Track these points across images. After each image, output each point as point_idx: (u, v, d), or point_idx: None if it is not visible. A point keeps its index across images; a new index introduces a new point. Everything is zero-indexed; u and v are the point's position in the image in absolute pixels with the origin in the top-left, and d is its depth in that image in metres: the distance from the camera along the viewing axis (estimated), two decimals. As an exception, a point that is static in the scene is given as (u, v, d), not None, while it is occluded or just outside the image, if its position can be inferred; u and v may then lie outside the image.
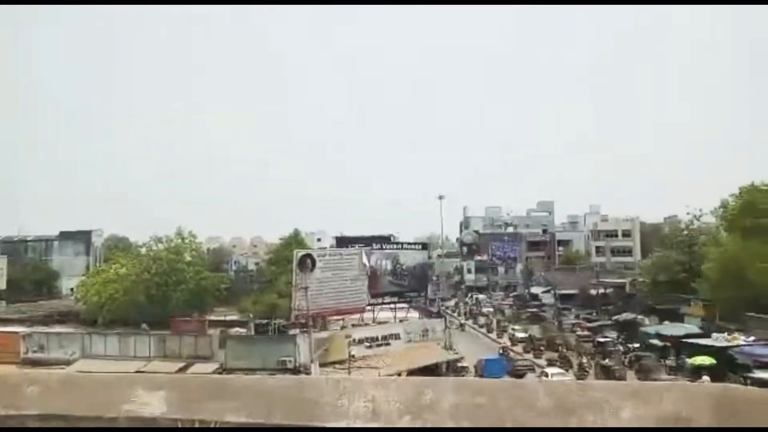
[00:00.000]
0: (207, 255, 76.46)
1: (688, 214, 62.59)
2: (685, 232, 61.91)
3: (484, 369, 39.05)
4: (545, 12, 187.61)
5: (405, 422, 1.79)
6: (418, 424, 1.79)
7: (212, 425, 1.86)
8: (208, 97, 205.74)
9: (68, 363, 33.47)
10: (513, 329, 56.98)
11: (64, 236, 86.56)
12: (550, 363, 43.12)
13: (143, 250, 59.87)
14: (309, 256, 39.36)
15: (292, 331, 36.58)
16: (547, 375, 37.17)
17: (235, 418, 1.93)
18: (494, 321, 65.12)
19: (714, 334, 40.93)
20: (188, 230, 57.66)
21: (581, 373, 37.69)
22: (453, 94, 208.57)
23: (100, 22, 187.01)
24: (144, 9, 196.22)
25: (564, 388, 1.83)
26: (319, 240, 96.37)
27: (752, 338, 38.89)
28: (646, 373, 36.55)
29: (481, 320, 68.55)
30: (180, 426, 1.85)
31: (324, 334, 35.83)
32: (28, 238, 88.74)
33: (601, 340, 46.89)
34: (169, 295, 49.78)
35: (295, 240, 63.03)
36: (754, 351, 36.70)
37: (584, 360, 40.83)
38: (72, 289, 64.74)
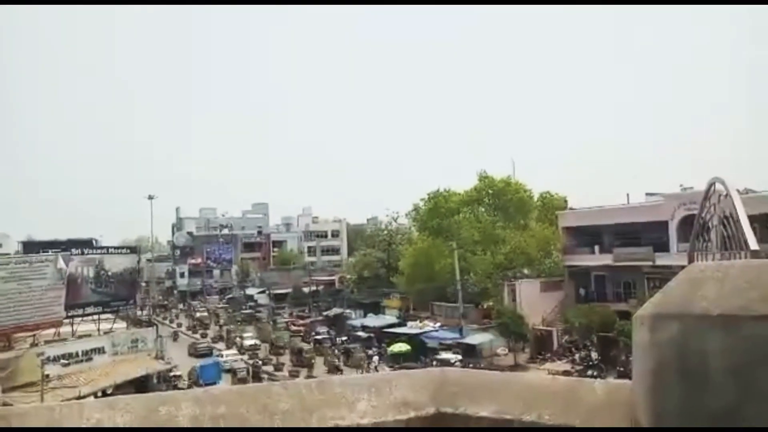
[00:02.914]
0: None
1: (387, 215, 69.71)
2: (385, 232, 68.60)
3: (199, 375, 38.01)
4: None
5: (138, 445, 1.64)
6: (152, 445, 1.65)
7: None
8: None
9: None
10: (241, 337, 53.41)
11: None
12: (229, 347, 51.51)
13: None
14: (-12, 264, 33.55)
15: (-38, 355, 30.71)
16: (222, 356, 45.57)
17: None
18: (222, 328, 62.08)
19: (409, 323, 46.12)
20: None
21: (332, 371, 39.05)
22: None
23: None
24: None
25: (307, 389, 1.86)
26: (0, 245, 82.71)
27: (438, 324, 44.79)
28: (355, 363, 39.56)
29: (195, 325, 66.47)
30: None
31: (9, 355, 30.86)
32: None
33: (318, 337, 49.06)
34: None
35: (-32, 245, 53.17)
36: (440, 335, 42.41)
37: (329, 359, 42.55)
38: None
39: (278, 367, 43.48)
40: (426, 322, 45.44)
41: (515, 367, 36.66)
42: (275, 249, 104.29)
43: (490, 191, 56.95)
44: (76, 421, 1.77)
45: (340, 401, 1.87)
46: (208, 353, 49.07)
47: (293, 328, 56.15)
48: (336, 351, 44.42)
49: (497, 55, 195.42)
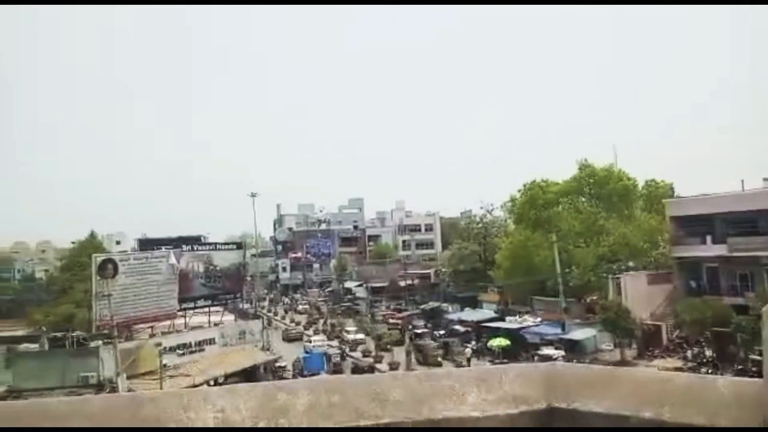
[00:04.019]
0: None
1: (481, 208, 68.74)
2: (480, 225, 67.72)
3: (304, 366, 39.30)
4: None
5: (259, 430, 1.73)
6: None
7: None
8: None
9: None
10: (347, 331, 53.88)
11: None
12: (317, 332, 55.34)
13: None
14: (110, 260, 36.33)
15: (93, 344, 33.49)
16: (310, 341, 50.20)
17: (65, 447, 1.71)
18: (326, 322, 62.89)
19: (507, 318, 45.38)
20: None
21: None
22: (269, 90, 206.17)
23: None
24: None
25: (416, 380, 1.89)
26: (118, 243, 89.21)
27: (539, 319, 43.78)
28: (453, 357, 39.46)
29: (298, 318, 68.72)
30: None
31: (131, 345, 33.34)
32: None
33: (417, 331, 49.15)
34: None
35: (91, 243, 57.68)
36: (540, 330, 41.43)
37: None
38: None
39: (366, 354, 44.65)
40: (526, 316, 44.57)
41: (622, 363, 35.17)
42: (371, 243, 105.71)
43: (591, 180, 54.82)
44: (201, 406, 1.90)
45: (449, 393, 1.89)
46: (298, 338, 54.49)
47: (391, 321, 56.77)
48: (435, 345, 44.38)
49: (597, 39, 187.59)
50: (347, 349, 47.42)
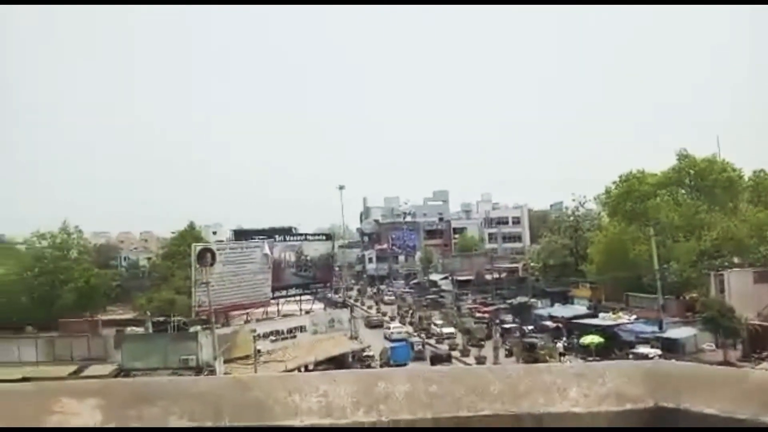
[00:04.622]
0: (94, 251, 72.13)
1: (573, 200, 66.49)
2: (571, 218, 65.64)
3: (390, 356, 39.71)
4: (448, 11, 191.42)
5: (360, 415, 1.77)
6: (373, 417, 1.76)
7: (158, 433, 1.74)
8: (94, 86, 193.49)
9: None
10: (436, 324, 53.15)
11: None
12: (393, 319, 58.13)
13: (23, 248, 55.70)
14: (209, 249, 38.16)
15: (192, 329, 35.35)
16: (389, 327, 52.33)
17: (179, 422, 1.81)
18: (413, 315, 62.85)
19: (601, 314, 43.83)
20: (74, 225, 54.26)
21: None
22: (352, 86, 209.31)
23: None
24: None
25: (515, 373, 1.87)
26: (215, 233, 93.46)
27: (634, 316, 42.01)
28: (539, 354, 38.50)
29: (384, 309, 69.41)
30: (122, 436, 1.72)
31: (227, 330, 34.93)
32: None
33: (506, 326, 48.40)
34: (56, 294, 46.61)
35: (190, 233, 60.71)
36: (636, 328, 39.75)
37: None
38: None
39: (453, 348, 44.15)
40: (620, 313, 42.86)
41: (725, 365, 33.08)
42: (456, 236, 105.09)
43: (691, 171, 51.80)
44: (305, 390, 1.97)
45: (550, 388, 1.86)
46: (379, 325, 56.25)
47: (477, 314, 56.25)
48: (524, 340, 43.50)
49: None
50: (427, 339, 47.60)
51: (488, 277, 68.64)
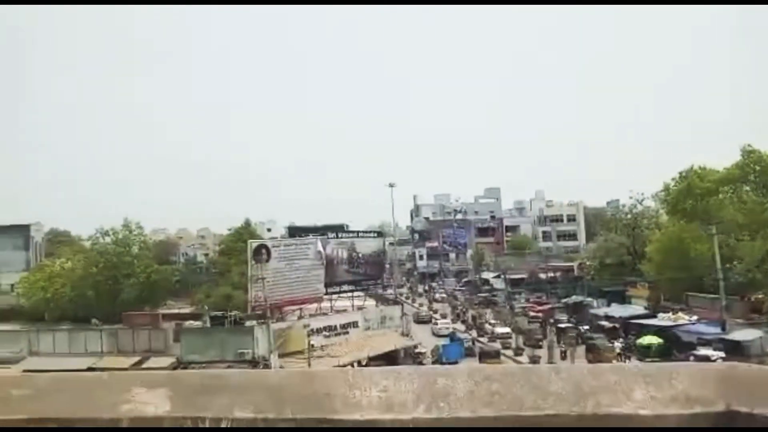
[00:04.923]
0: (153, 247, 74.57)
1: (630, 198, 64.55)
2: (629, 216, 63.85)
3: (442, 354, 39.58)
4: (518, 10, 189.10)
5: (420, 411, 1.77)
6: (433, 413, 1.77)
7: (223, 423, 1.79)
8: (154, 90, 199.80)
9: (16, 361, 32.22)
10: (491, 323, 52.04)
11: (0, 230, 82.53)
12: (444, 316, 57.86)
13: (88, 244, 58.02)
14: (264, 246, 38.91)
15: (248, 323, 36.12)
16: (437, 323, 53.73)
17: (243, 413, 1.87)
18: (465, 313, 61.82)
19: (660, 315, 42.52)
20: (135, 222, 56.16)
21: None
22: (400, 82, 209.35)
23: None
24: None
25: (578, 373, 1.84)
26: (269, 230, 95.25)
27: (694, 317, 40.57)
28: (598, 354, 37.62)
29: (437, 306, 69.15)
30: (191, 425, 1.77)
31: (282, 325, 35.53)
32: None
33: (561, 325, 47.43)
34: (119, 289, 48.47)
35: (246, 230, 62.04)
36: (697, 329, 38.36)
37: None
38: (12, 285, 62.13)
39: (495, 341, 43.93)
40: (680, 314, 41.45)
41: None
42: (508, 234, 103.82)
43: (757, 168, 49.51)
44: (366, 385, 1.99)
45: (615, 389, 1.82)
46: (428, 321, 57.00)
47: (531, 314, 55.43)
48: (580, 340, 42.56)
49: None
50: (479, 337, 47.32)
51: (542, 275, 67.59)
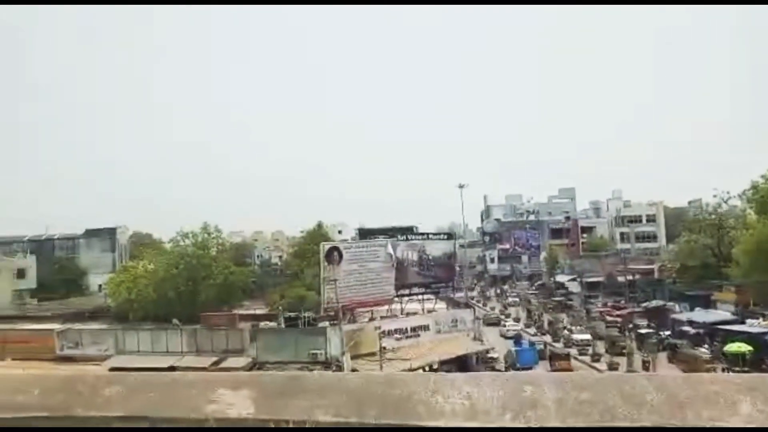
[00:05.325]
0: (230, 249, 76.95)
1: (715, 197, 61.28)
2: (713, 216, 60.74)
3: (516, 359, 38.89)
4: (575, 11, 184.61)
5: (506, 420, 1.70)
6: (520, 422, 1.69)
7: (306, 425, 1.78)
8: (228, 95, 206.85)
9: (103, 359, 33.97)
10: (570, 329, 50.16)
11: (90, 234, 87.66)
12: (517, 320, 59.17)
13: (169, 246, 60.37)
14: (336, 248, 39.42)
15: (321, 324, 36.65)
16: (505, 325, 55.66)
17: (325, 417, 1.85)
18: (540, 317, 60.80)
19: (748, 320, 40.27)
20: (213, 225, 58.02)
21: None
22: (469, 84, 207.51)
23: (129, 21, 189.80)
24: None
25: (674, 382, 1.72)
26: (340, 232, 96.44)
27: (788, 323, 38.16)
28: (684, 362, 35.93)
29: (510, 311, 68.01)
30: (273, 426, 1.78)
31: (354, 327, 35.79)
32: (55, 237, 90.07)
33: (641, 331, 45.50)
34: (198, 290, 50.18)
35: (318, 233, 63.08)
36: (791, 336, 36.04)
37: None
38: (100, 286, 65.64)
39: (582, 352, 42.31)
40: (771, 319, 39.07)
41: None
42: (584, 235, 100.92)
43: None
44: (448, 391, 1.94)
45: (716, 400, 1.70)
46: (496, 323, 57.58)
47: (608, 318, 53.61)
48: (661, 347, 40.69)
49: None
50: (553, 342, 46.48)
51: (620, 278, 65.28)
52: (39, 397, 2.02)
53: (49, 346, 36.56)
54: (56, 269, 77.65)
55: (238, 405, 2.02)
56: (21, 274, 69.43)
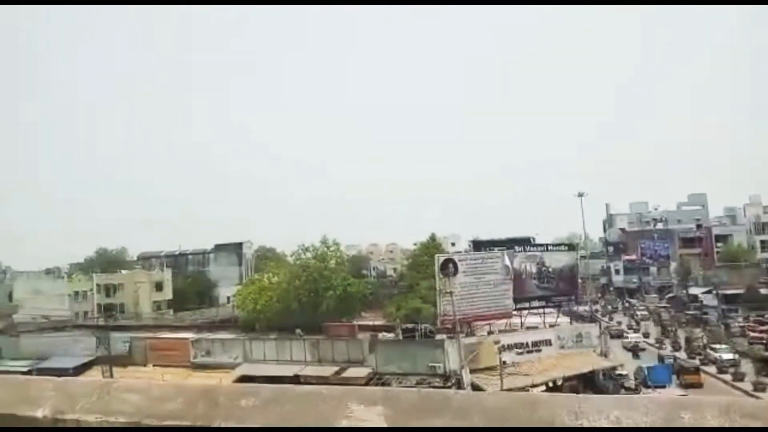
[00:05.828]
0: (348, 262, 78.81)
1: None
2: None
3: (648, 376, 36.72)
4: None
5: (658, 453, 1.52)
6: (678, 454, 1.51)
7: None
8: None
9: (233, 367, 35.86)
10: (713, 348, 45.68)
11: (219, 248, 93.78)
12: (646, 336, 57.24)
13: (291, 259, 62.79)
14: (451, 260, 39.15)
15: (438, 337, 36.47)
16: (627, 337, 55.89)
17: (464, 437, 1.76)
18: (675, 332, 56.54)
19: None
20: (332, 238, 59.71)
21: None
22: (584, 83, 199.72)
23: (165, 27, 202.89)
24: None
25: None
26: (453, 244, 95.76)
27: None
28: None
29: (640, 326, 64.10)
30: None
31: (472, 340, 35.28)
32: (188, 252, 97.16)
33: None
34: (319, 301, 51.70)
35: (432, 244, 62.98)
36: None
37: None
38: (229, 298, 69.57)
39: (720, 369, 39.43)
40: None
41: None
42: (718, 244, 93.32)
43: None
44: (595, 415, 1.79)
45: None
46: (619, 335, 56.88)
47: (752, 334, 49.08)
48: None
49: None
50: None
51: (762, 291, 59.69)
52: (182, 405, 2.09)
53: (185, 354, 39.14)
54: (189, 282, 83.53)
55: (371, 422, 1.99)
56: (159, 286, 75.57)
